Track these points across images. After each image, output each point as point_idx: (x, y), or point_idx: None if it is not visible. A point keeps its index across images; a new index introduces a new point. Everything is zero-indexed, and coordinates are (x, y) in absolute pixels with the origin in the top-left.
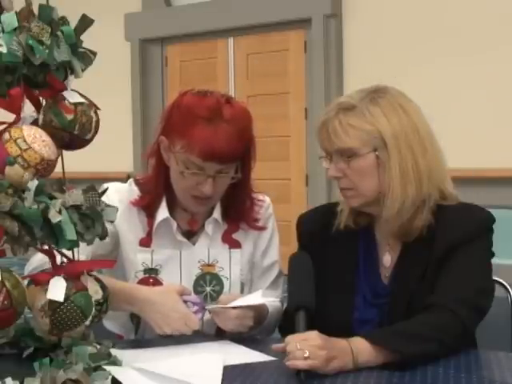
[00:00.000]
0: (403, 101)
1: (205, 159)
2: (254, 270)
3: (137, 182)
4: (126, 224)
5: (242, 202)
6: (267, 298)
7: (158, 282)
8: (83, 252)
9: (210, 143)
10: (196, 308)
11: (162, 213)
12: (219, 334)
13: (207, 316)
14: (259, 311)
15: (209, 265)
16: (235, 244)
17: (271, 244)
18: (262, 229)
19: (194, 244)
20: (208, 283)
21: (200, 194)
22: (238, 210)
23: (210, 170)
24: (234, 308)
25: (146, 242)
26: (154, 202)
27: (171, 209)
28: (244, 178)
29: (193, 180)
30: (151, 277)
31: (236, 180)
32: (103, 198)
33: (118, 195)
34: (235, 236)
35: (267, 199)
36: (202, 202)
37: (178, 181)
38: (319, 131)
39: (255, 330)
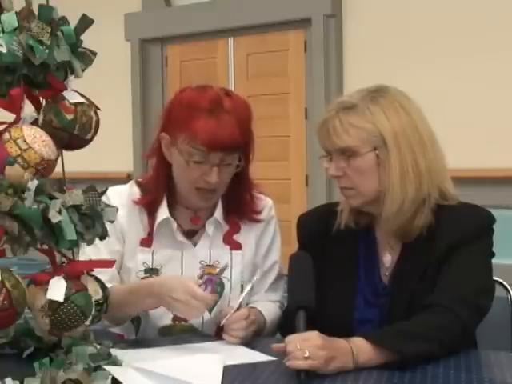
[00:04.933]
0: (404, 100)
1: (209, 149)
2: (255, 271)
3: (138, 183)
4: (127, 225)
5: (242, 196)
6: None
7: None
8: (107, 271)
9: (214, 133)
10: (209, 288)
11: (163, 212)
12: (219, 334)
13: (207, 316)
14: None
15: (210, 266)
16: (236, 245)
17: (272, 246)
18: (262, 221)
19: (194, 245)
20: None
21: (205, 185)
22: (238, 206)
23: (214, 158)
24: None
25: (146, 242)
26: (155, 200)
27: (172, 208)
28: (243, 171)
29: (198, 170)
30: (152, 276)
31: (240, 169)
32: (102, 200)
33: (119, 200)
34: (236, 237)
35: (269, 201)
36: (206, 195)
37: (182, 174)
38: (319, 130)
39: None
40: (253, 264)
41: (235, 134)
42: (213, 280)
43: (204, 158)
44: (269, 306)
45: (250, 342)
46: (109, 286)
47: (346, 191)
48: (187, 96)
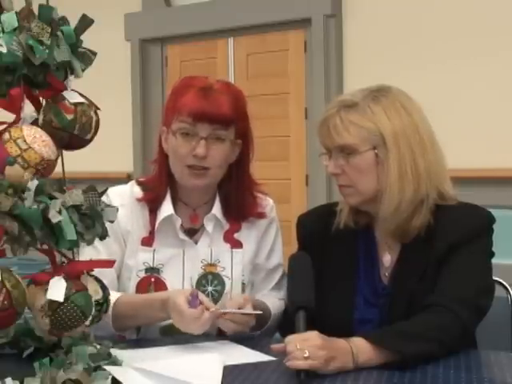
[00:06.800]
0: (405, 101)
1: (195, 119)
2: (257, 272)
3: (138, 183)
4: (129, 226)
5: (242, 195)
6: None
7: (159, 281)
8: (107, 276)
9: (200, 104)
10: (194, 303)
11: (167, 209)
12: (220, 334)
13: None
14: (262, 311)
15: (211, 264)
16: (237, 244)
17: (275, 246)
18: (265, 216)
19: (195, 243)
20: (210, 283)
21: (196, 162)
22: (239, 204)
23: (201, 131)
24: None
25: (147, 241)
26: (158, 195)
27: (173, 205)
28: (242, 170)
29: (187, 146)
30: (153, 275)
31: (238, 151)
32: (102, 200)
33: (120, 200)
34: (237, 236)
35: (270, 201)
36: (198, 173)
37: (173, 153)
38: (320, 128)
39: (257, 331)
40: (253, 264)
41: (223, 107)
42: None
43: (191, 130)
44: (273, 300)
45: (251, 337)
46: (112, 294)
47: (344, 189)
48: (180, 83)
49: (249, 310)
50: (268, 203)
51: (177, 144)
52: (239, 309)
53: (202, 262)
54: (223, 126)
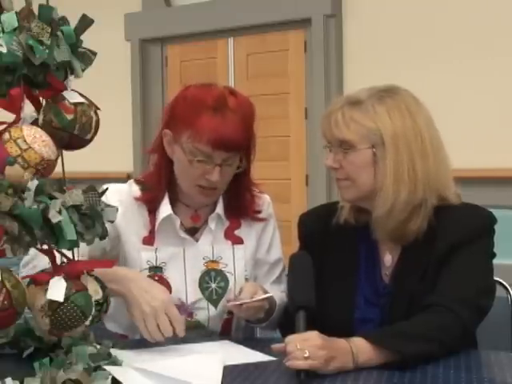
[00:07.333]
0: (412, 104)
1: (214, 147)
2: (259, 267)
3: (137, 182)
4: (127, 224)
5: (242, 195)
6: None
7: (162, 280)
8: (82, 254)
9: (219, 132)
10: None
11: (165, 209)
12: (223, 333)
13: (213, 312)
14: (270, 300)
15: (213, 261)
16: (238, 240)
17: (273, 241)
18: (263, 220)
19: (196, 241)
20: (213, 280)
21: (207, 184)
22: (239, 204)
23: (217, 158)
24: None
25: (149, 240)
26: (156, 197)
27: (173, 206)
28: (245, 171)
29: (200, 169)
30: (156, 274)
31: (242, 169)
32: (102, 200)
33: (118, 196)
34: (237, 233)
35: (267, 197)
36: (208, 192)
37: (184, 171)
38: (322, 121)
39: (265, 323)
40: (254, 259)
41: (239, 135)
42: (187, 309)
43: (207, 157)
44: (275, 292)
45: (251, 337)
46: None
47: (341, 182)
48: (191, 93)
49: (261, 295)
50: (265, 200)
51: (190, 166)
52: (253, 297)
53: (203, 258)
54: (237, 152)
